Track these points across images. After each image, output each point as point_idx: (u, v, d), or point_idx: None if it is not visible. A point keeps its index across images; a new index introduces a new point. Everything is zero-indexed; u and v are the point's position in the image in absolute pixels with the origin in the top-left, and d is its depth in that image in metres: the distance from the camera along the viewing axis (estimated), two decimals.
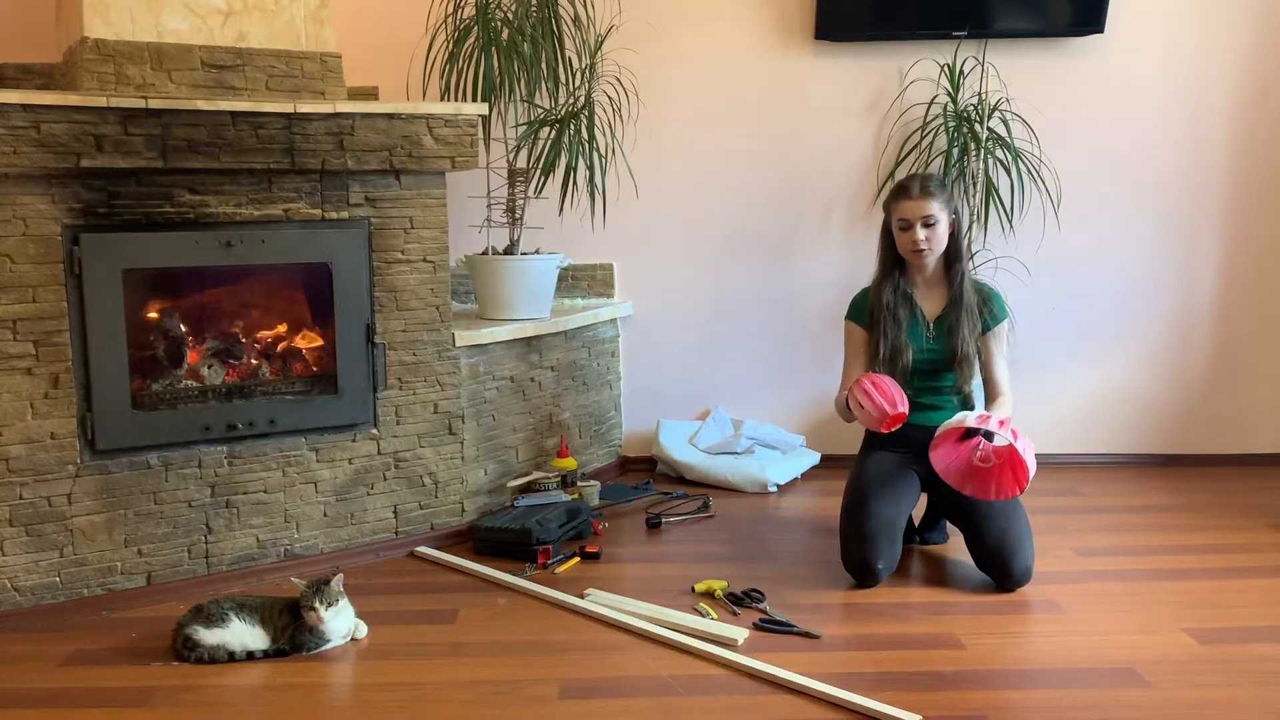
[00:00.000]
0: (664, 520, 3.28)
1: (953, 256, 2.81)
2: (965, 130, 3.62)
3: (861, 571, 2.67)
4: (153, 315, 2.81)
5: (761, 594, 2.60)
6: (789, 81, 3.78)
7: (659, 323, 3.91)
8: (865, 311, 2.89)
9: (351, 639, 2.41)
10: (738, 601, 2.59)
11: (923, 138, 3.73)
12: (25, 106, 2.40)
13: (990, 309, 2.84)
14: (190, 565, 2.73)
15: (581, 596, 2.63)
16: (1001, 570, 2.63)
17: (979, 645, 2.34)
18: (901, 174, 3.76)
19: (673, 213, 3.85)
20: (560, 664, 2.28)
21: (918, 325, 2.82)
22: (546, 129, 3.40)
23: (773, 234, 3.86)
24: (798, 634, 2.41)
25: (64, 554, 2.57)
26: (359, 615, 2.45)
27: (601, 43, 3.55)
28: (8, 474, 2.50)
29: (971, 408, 2.87)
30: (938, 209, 2.74)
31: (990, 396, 2.87)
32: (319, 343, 2.99)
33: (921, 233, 2.73)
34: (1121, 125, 3.78)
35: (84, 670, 2.27)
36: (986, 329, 2.83)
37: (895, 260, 2.84)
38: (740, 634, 2.37)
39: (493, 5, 3.38)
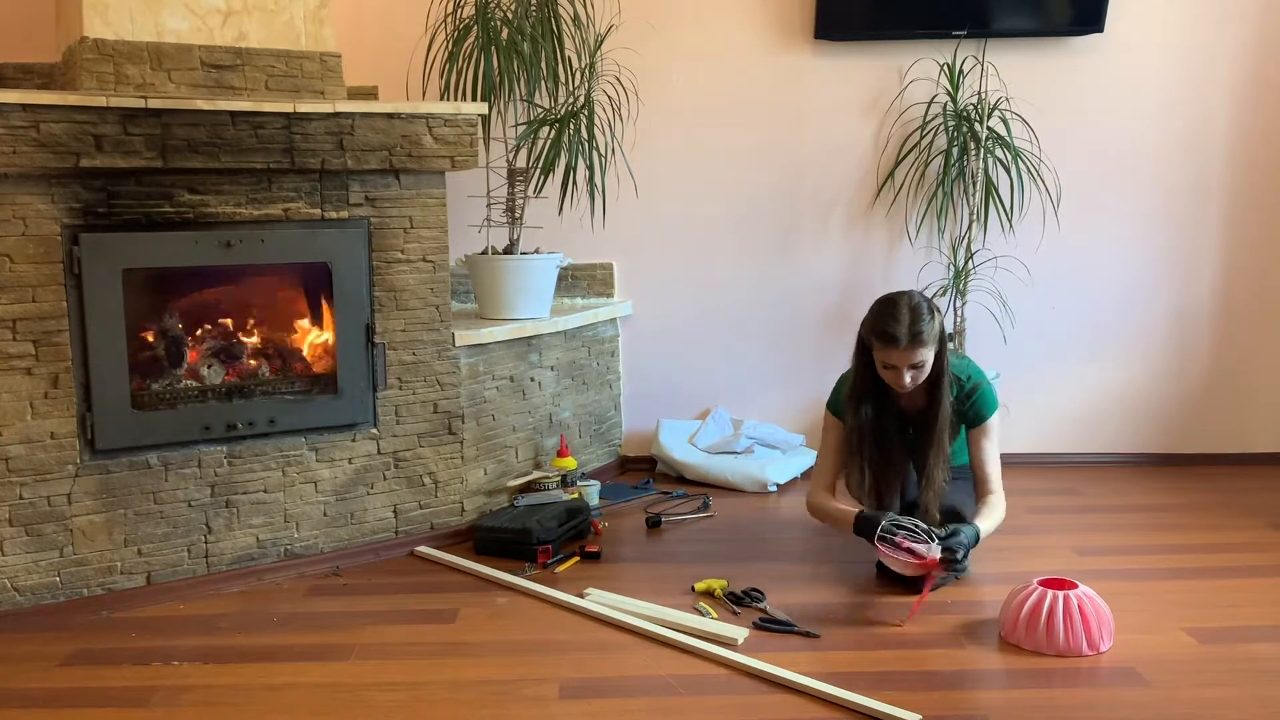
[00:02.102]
0: (664, 520, 3.28)
1: (935, 378, 2.63)
2: (965, 129, 3.62)
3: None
4: (152, 315, 2.80)
5: (761, 593, 2.60)
6: (789, 81, 3.78)
7: (659, 322, 3.91)
8: (844, 406, 2.76)
9: None
10: (738, 601, 2.59)
11: (922, 137, 3.73)
12: (25, 106, 2.40)
13: (975, 405, 2.69)
14: (190, 565, 2.73)
15: (581, 596, 2.63)
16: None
17: (979, 644, 2.34)
18: (901, 174, 3.76)
19: (672, 212, 3.85)
20: (560, 664, 2.28)
21: (899, 426, 2.73)
22: (546, 128, 3.40)
23: (772, 233, 3.86)
24: (798, 633, 2.41)
25: (64, 554, 2.57)
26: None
27: (601, 42, 3.55)
28: (7, 474, 2.50)
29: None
30: (925, 354, 2.55)
31: (980, 495, 2.74)
32: (319, 342, 2.99)
33: (908, 375, 2.56)
34: (1121, 124, 3.78)
35: (84, 670, 2.27)
36: (973, 425, 2.71)
37: (875, 380, 2.68)
38: (740, 633, 2.37)
39: (492, 5, 3.37)
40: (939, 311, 2.60)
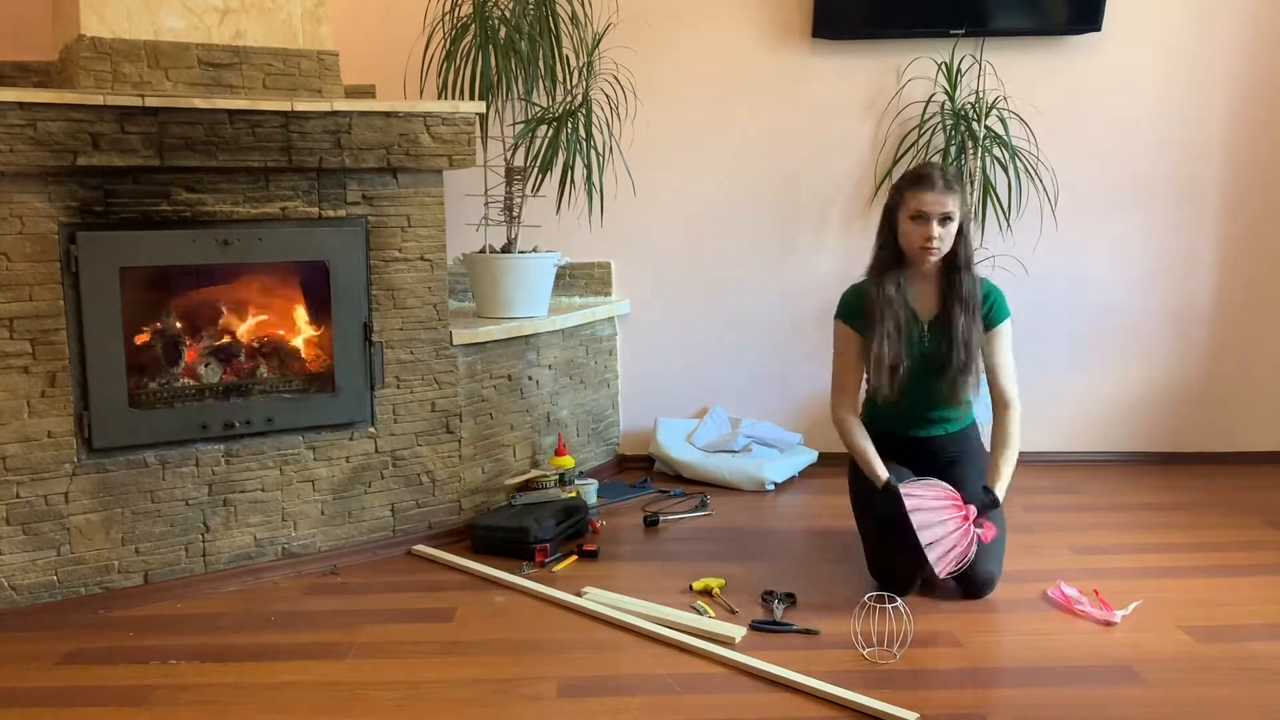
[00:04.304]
0: (661, 518, 3.28)
1: (959, 260, 2.63)
2: (962, 128, 3.62)
3: (897, 582, 2.59)
4: (150, 314, 2.80)
5: (792, 596, 2.60)
6: (786, 80, 3.78)
7: (656, 321, 3.91)
8: (858, 311, 2.69)
9: None
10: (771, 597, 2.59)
11: (920, 136, 3.73)
12: (22, 105, 2.39)
13: (994, 305, 2.68)
14: (188, 564, 2.73)
15: (579, 595, 2.63)
16: (965, 576, 2.56)
17: (976, 643, 2.35)
18: (899, 173, 3.76)
19: (670, 211, 3.85)
20: (558, 662, 2.28)
21: (914, 326, 2.68)
22: (544, 127, 3.40)
23: (770, 232, 3.86)
24: (796, 632, 2.41)
25: (61, 553, 2.57)
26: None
27: (599, 41, 3.55)
28: (5, 473, 2.49)
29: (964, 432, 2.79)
30: (955, 206, 2.56)
31: (997, 406, 2.70)
32: (316, 341, 2.99)
33: (937, 229, 2.55)
34: (1118, 124, 3.78)
35: (81, 669, 2.27)
36: (988, 328, 2.67)
37: (897, 254, 2.65)
38: (738, 632, 2.37)
39: (490, 3, 3.37)
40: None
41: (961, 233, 2.62)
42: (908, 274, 2.69)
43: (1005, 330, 2.70)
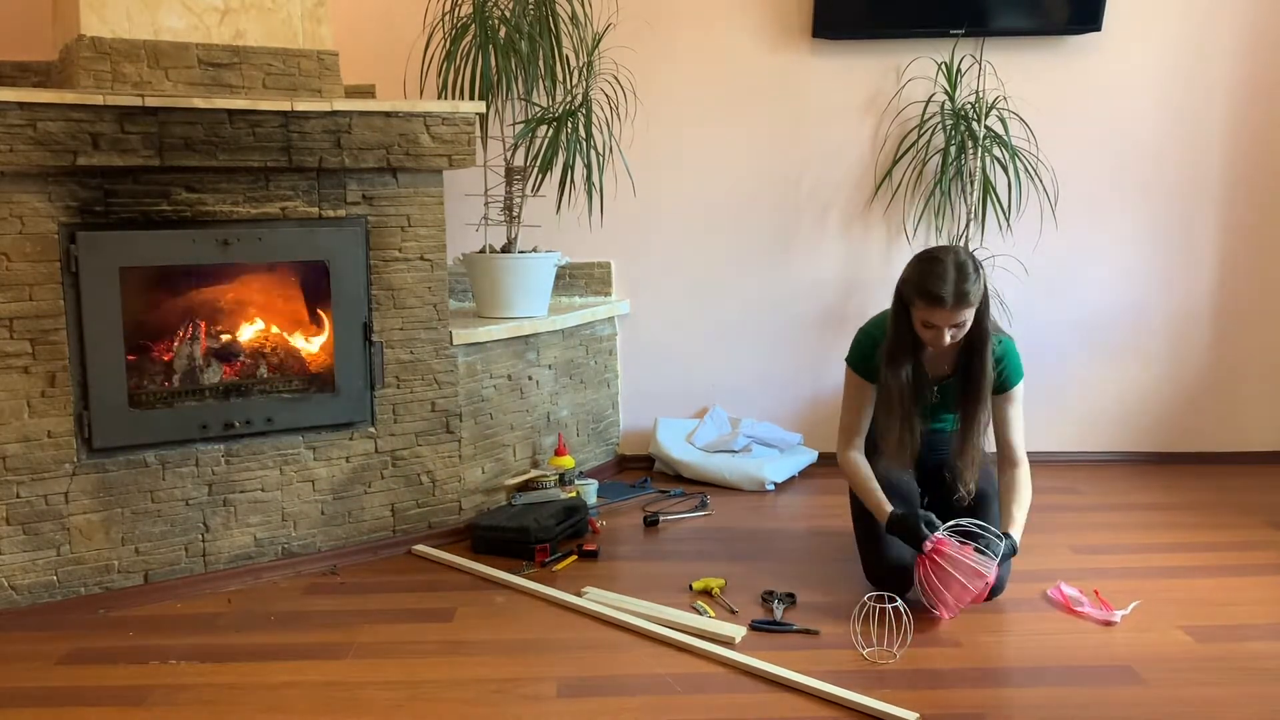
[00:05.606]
0: (661, 518, 3.28)
1: (977, 339, 2.49)
2: (962, 128, 3.62)
3: (889, 580, 2.59)
4: (150, 313, 2.80)
5: (793, 596, 2.60)
6: (786, 80, 3.78)
7: (656, 321, 3.91)
8: (870, 364, 2.61)
9: None
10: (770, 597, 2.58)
11: (920, 136, 3.73)
12: (21, 104, 2.39)
13: (1004, 371, 2.57)
14: (188, 564, 2.73)
15: (579, 595, 2.63)
16: None
17: (976, 643, 2.35)
18: (899, 173, 3.76)
19: (670, 211, 3.85)
20: (558, 662, 2.28)
21: (925, 388, 2.61)
22: (544, 127, 3.39)
23: (770, 232, 3.86)
24: (796, 631, 2.41)
25: (61, 553, 2.57)
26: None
27: (599, 41, 3.55)
28: (4, 472, 2.49)
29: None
30: (969, 313, 2.41)
31: (1005, 466, 2.63)
32: (316, 341, 2.99)
33: (948, 334, 2.43)
34: (1118, 124, 3.78)
35: (81, 669, 2.27)
36: (998, 392, 2.57)
37: (912, 339, 2.52)
38: (738, 632, 2.37)
39: (490, 3, 3.37)
40: (983, 268, 2.46)
41: (981, 315, 2.48)
42: (922, 348, 2.57)
43: (1016, 394, 2.61)
